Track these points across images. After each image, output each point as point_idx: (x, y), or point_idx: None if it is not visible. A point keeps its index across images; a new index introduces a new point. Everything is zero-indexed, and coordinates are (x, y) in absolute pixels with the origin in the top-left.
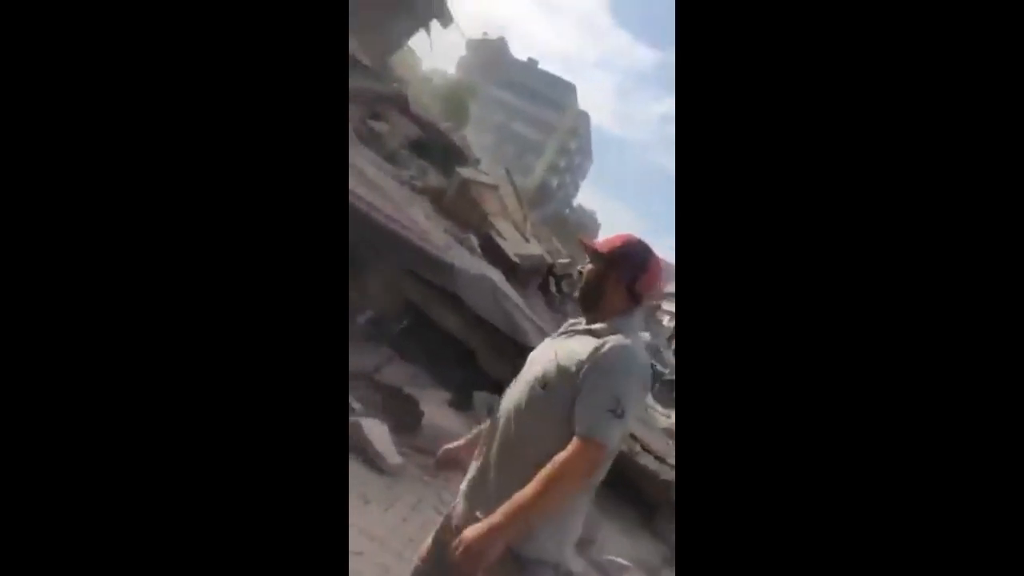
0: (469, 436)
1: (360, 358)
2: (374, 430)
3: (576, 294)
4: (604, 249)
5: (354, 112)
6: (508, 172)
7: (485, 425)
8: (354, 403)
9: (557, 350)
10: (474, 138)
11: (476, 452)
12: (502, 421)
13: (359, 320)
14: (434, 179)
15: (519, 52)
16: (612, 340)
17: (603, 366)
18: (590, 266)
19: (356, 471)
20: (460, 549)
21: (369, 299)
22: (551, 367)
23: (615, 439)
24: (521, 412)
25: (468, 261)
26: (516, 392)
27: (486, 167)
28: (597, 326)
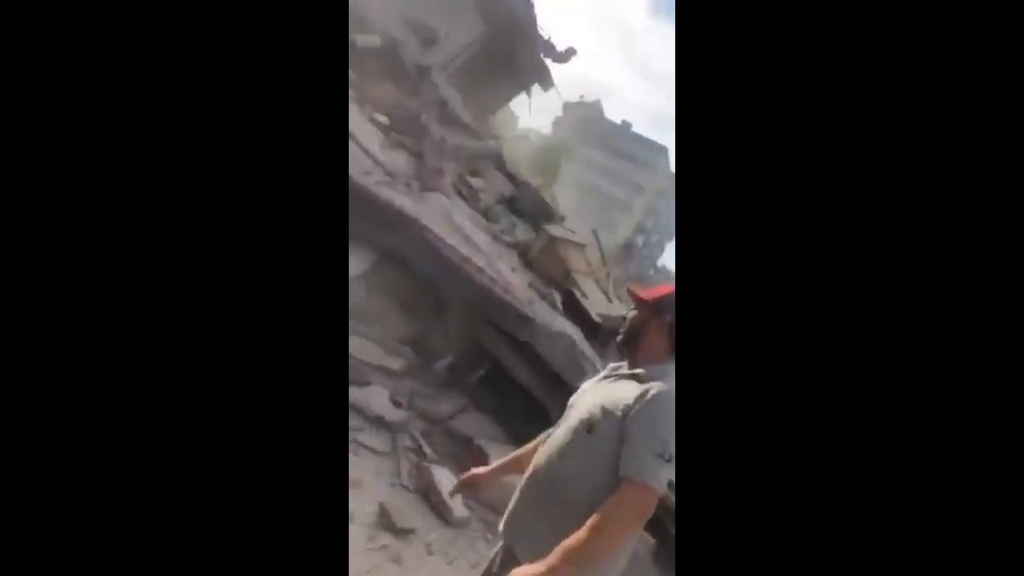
0: (493, 465)
1: (436, 404)
2: (443, 479)
3: (619, 339)
4: (648, 297)
5: (453, 168)
6: (596, 232)
7: (508, 457)
8: (426, 448)
9: (601, 394)
10: (563, 195)
11: (516, 494)
12: (543, 462)
13: (437, 365)
14: (523, 234)
15: (614, 114)
16: (656, 386)
17: (650, 411)
18: (634, 312)
19: (423, 519)
20: None
21: (450, 346)
22: (596, 411)
23: (663, 482)
24: (564, 454)
25: (549, 317)
26: (559, 435)
27: (574, 224)
28: (640, 371)
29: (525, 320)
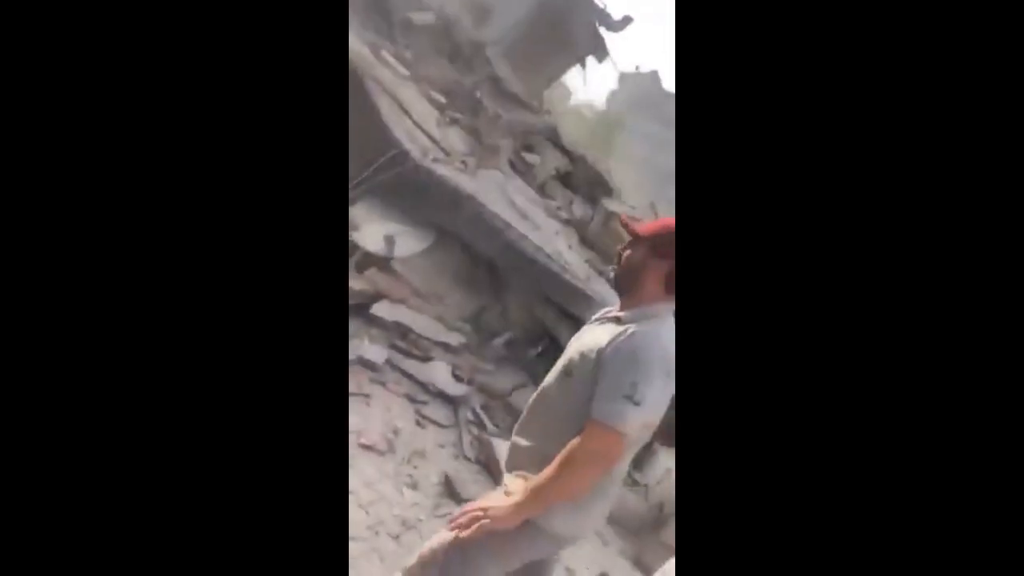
0: None
1: (496, 379)
2: (504, 452)
3: (611, 274)
4: (645, 232)
5: (509, 144)
6: (654, 206)
7: None
8: (487, 422)
9: (585, 337)
10: (620, 169)
11: (512, 436)
12: (532, 404)
13: (496, 342)
14: (579, 210)
15: (671, 85)
16: (634, 327)
17: (621, 352)
18: (628, 250)
19: (484, 491)
20: (483, 514)
21: (509, 322)
22: (575, 354)
23: (630, 426)
24: (546, 396)
25: (607, 294)
26: (547, 378)
27: (631, 199)
28: (623, 314)
29: (583, 297)
